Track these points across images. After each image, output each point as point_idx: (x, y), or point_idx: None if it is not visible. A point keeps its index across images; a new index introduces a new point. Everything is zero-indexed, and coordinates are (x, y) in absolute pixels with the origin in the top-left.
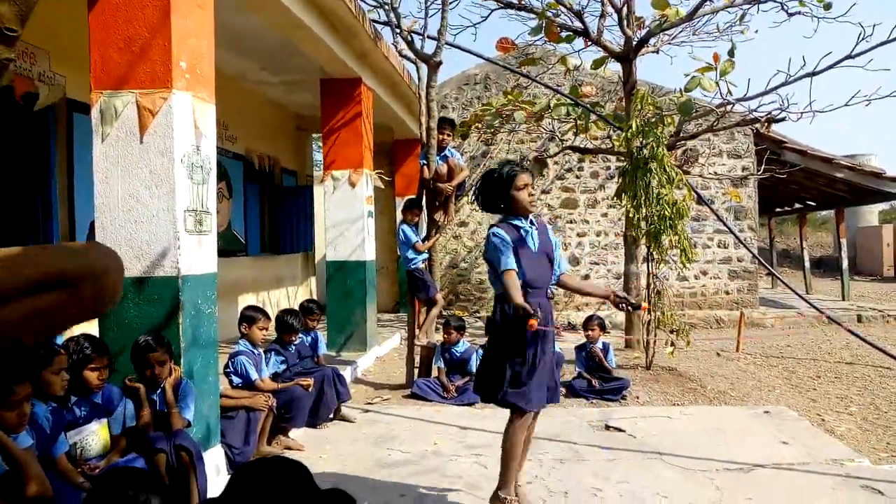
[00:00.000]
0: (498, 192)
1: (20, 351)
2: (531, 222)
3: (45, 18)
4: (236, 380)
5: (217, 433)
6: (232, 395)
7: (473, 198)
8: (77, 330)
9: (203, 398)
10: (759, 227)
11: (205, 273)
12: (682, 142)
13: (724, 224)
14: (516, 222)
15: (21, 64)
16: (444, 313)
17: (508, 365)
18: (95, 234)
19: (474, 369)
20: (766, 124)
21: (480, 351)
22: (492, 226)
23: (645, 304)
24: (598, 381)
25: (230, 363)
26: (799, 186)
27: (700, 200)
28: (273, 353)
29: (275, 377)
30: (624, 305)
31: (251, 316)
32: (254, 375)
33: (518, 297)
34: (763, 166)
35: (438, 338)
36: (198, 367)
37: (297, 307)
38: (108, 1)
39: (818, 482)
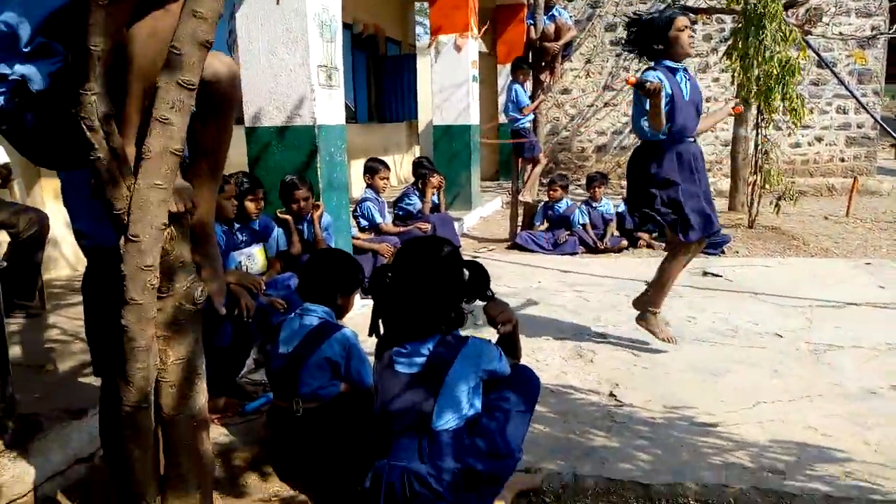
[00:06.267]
0: (656, 33)
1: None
2: (685, 70)
3: None
4: (363, 222)
5: None
6: (362, 238)
7: (624, 44)
8: (234, 168)
9: (337, 234)
10: (885, 94)
11: (335, 124)
12: None
13: (844, 85)
14: (673, 65)
15: None
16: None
17: (666, 197)
18: (243, 87)
19: (578, 224)
20: None
21: (584, 207)
22: (645, 69)
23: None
24: None
25: (357, 208)
26: None
27: (820, 61)
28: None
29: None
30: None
31: (374, 167)
32: (378, 219)
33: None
34: None
35: (540, 197)
36: (333, 206)
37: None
38: None
39: None
